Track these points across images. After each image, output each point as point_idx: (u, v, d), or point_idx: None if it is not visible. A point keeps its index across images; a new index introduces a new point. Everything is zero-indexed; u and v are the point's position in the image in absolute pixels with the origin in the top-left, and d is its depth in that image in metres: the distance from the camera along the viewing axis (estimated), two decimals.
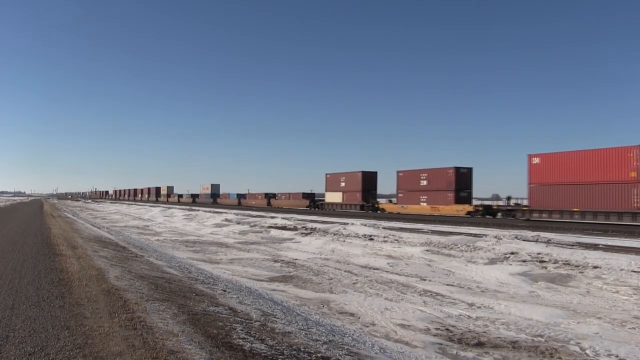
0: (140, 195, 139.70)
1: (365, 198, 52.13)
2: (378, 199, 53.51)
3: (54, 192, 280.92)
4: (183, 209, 55.84)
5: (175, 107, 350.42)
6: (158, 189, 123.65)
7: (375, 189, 53.93)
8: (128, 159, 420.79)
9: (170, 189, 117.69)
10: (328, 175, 58.80)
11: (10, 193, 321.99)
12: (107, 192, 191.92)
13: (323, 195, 61.90)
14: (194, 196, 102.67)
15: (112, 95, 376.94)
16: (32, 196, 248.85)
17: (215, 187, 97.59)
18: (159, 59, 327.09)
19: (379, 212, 48.92)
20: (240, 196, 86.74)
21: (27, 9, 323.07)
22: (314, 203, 62.59)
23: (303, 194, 66.27)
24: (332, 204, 57.17)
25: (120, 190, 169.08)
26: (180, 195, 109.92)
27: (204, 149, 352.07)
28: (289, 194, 70.08)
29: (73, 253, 12.34)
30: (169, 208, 59.04)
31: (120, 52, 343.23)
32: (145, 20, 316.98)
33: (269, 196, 76.70)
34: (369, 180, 53.40)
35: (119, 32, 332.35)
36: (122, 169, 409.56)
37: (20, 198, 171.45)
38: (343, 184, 55.39)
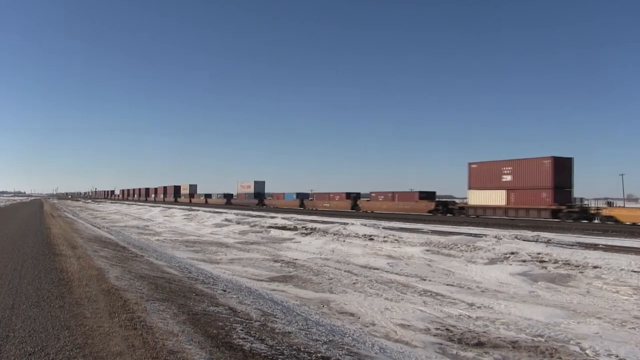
0: (154, 196, 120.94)
1: (560, 199, 33.54)
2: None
3: (54, 192, 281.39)
4: (183, 209, 55.80)
5: (180, 106, 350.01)
6: (177, 188, 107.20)
7: (570, 185, 34.86)
8: (131, 159, 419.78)
9: (193, 188, 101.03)
10: (474, 166, 39.54)
11: (10, 193, 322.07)
12: (112, 191, 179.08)
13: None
14: (228, 196, 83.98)
15: (112, 95, 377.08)
16: (32, 196, 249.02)
17: (259, 186, 79.00)
18: (159, 59, 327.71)
19: (600, 222, 30.15)
20: (301, 196, 66.21)
21: (27, 9, 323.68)
22: (443, 206, 43.21)
23: (420, 192, 46.77)
24: (484, 207, 38.07)
25: (128, 190, 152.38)
26: (208, 195, 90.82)
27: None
28: (393, 193, 49.96)
29: (73, 253, 12.34)
30: (169, 208, 58.99)
31: (120, 52, 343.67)
32: (145, 20, 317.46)
33: (354, 196, 56.75)
34: (563, 171, 34.38)
35: (119, 32, 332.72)
36: (125, 169, 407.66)
37: (20, 198, 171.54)
38: (508, 178, 36.66)
